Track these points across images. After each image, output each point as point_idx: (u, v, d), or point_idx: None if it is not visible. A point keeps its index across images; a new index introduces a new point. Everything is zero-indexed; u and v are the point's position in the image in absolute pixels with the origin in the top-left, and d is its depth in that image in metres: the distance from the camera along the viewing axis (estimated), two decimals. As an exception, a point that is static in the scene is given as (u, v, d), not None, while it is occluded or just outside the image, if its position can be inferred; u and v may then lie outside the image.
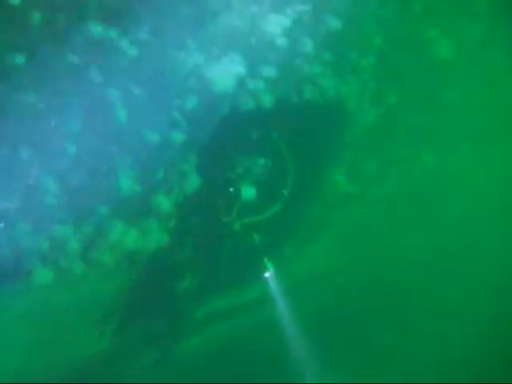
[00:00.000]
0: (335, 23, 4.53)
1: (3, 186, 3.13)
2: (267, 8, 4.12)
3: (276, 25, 4.13)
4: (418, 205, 6.27)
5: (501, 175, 6.45)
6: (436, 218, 6.29)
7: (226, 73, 3.94)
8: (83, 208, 3.53)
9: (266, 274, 4.56)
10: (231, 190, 4.27)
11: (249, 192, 4.28)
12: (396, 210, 6.10)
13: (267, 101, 4.34)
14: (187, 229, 4.48)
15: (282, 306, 4.56)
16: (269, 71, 4.26)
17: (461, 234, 6.33)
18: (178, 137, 3.86)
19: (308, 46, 4.43)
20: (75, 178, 3.43)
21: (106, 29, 3.31)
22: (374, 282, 5.89)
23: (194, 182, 4.14)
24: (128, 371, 4.24)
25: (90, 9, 3.24)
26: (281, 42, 4.24)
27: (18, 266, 3.35)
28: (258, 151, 4.35)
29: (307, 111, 4.78)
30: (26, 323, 3.66)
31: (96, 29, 3.27)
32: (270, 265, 4.55)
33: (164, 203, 3.93)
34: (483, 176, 6.38)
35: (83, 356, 4.04)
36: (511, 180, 6.47)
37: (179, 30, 3.70)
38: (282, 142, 4.49)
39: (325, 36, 4.56)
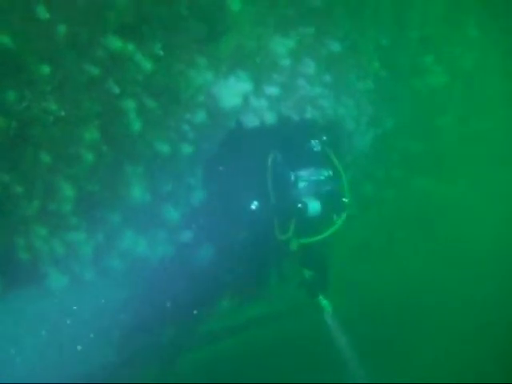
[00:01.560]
0: (336, 46, 4.90)
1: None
2: (273, 29, 4.47)
3: (281, 45, 4.48)
4: (413, 228, 6.58)
5: (494, 200, 6.78)
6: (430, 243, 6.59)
7: (234, 90, 4.27)
8: (96, 215, 3.77)
9: (325, 313, 4.46)
10: (299, 205, 4.20)
11: (314, 206, 4.23)
12: (393, 233, 6.39)
13: (269, 119, 4.65)
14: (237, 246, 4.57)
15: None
16: (272, 90, 4.59)
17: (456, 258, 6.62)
18: (187, 149, 4.14)
19: (310, 67, 4.77)
20: (90, 185, 3.67)
21: (124, 43, 3.60)
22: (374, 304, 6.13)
23: (198, 195, 4.41)
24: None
25: (110, 23, 3.55)
26: (285, 62, 4.58)
27: (34, 270, 3.56)
28: (318, 162, 4.38)
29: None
30: (38, 328, 3.84)
31: (116, 43, 3.57)
32: (326, 303, 4.47)
33: (172, 214, 4.18)
34: (477, 201, 6.71)
35: (89, 365, 4.20)
36: (505, 204, 6.81)
37: (190, 47, 4.02)
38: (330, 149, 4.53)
39: (326, 58, 4.91)
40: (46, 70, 3.36)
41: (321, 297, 4.48)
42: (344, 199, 4.46)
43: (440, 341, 5.93)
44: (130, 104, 3.78)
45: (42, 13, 3.28)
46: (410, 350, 6.05)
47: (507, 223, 6.60)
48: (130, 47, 3.68)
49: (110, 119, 3.74)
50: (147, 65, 3.80)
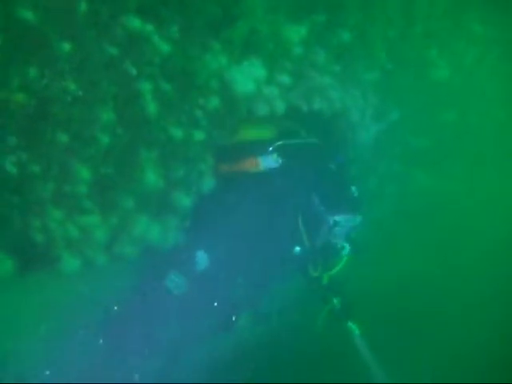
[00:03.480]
0: (346, 36, 5.03)
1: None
2: (286, 16, 4.58)
3: (294, 33, 4.59)
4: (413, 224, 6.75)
5: (492, 197, 6.99)
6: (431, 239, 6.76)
7: (248, 76, 4.36)
8: (110, 199, 3.82)
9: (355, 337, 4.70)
10: (339, 246, 4.40)
11: (348, 249, 4.45)
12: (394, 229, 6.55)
13: (280, 108, 4.76)
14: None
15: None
16: (284, 78, 4.70)
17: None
18: (200, 135, 4.22)
19: (321, 56, 4.89)
20: (106, 167, 3.73)
21: (143, 23, 3.67)
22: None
23: (209, 182, 4.49)
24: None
25: (130, 2, 3.62)
26: (297, 50, 4.69)
27: (47, 253, 3.60)
28: (356, 208, 4.51)
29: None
30: (48, 314, 3.89)
31: (135, 22, 3.64)
32: (354, 327, 4.71)
33: (183, 201, 4.25)
34: (476, 198, 6.91)
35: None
36: (503, 203, 7.03)
37: (205, 30, 4.10)
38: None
39: (335, 48, 5.03)
40: (66, 47, 3.41)
41: (349, 321, 4.75)
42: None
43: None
44: (146, 86, 3.83)
45: (64, -12, 3.33)
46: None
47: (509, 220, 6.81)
48: (149, 28, 3.73)
49: (126, 101, 3.78)
50: (164, 47, 3.86)
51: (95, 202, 3.81)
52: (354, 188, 4.61)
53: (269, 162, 4.67)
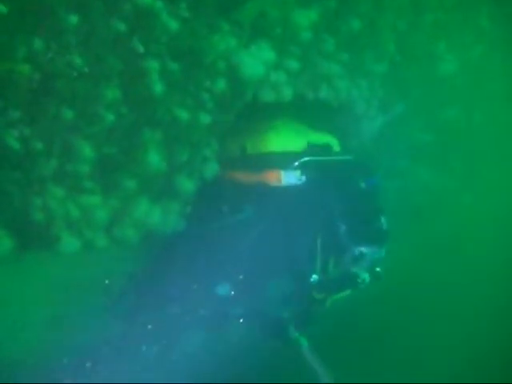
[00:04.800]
0: (355, 24, 4.99)
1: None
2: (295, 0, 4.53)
3: (303, 17, 4.54)
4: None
5: (493, 198, 6.99)
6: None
7: (256, 59, 4.31)
8: (112, 180, 3.76)
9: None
10: (359, 280, 4.11)
11: (367, 280, 4.18)
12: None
13: (287, 95, 4.71)
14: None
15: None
16: (292, 64, 4.65)
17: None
18: (205, 117, 4.16)
19: (330, 43, 4.85)
20: (109, 147, 3.67)
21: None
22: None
23: (213, 168, 4.44)
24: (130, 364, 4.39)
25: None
26: (306, 35, 4.64)
27: (47, 232, 3.54)
28: (384, 240, 4.25)
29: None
30: (47, 295, 3.83)
31: (145, -2, 3.59)
32: (303, 340, 4.45)
33: (186, 185, 4.19)
34: (474, 197, 6.91)
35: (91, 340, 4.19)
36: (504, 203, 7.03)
37: (215, 10, 4.05)
38: None
39: (344, 36, 4.99)
40: (73, 20, 3.34)
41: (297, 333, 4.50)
42: (378, 269, 4.32)
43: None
44: (153, 64, 3.77)
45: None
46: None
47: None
48: (159, 4, 3.67)
49: (132, 79, 3.72)
50: (173, 24, 3.80)
51: (97, 182, 3.74)
52: (383, 218, 4.30)
53: (291, 177, 4.38)
